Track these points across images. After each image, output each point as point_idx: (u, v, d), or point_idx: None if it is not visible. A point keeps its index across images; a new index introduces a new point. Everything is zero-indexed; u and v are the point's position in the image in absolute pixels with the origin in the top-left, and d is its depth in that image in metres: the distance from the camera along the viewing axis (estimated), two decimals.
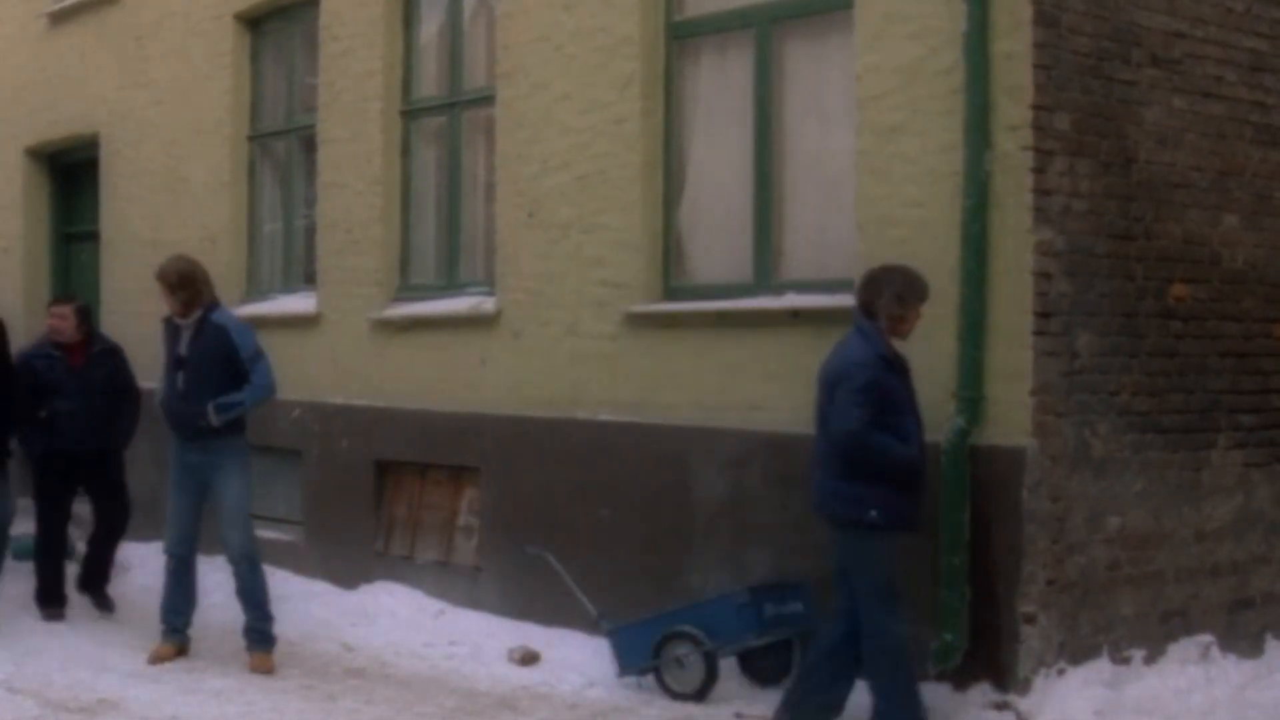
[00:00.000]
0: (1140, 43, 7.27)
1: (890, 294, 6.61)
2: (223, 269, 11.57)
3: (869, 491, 6.43)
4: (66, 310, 9.77)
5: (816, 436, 6.68)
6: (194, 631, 8.67)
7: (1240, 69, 7.76)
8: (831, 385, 6.52)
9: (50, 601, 9.49)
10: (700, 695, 7.25)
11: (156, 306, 12.22)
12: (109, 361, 9.90)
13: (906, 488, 6.50)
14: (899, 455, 6.46)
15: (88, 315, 9.93)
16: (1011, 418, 6.81)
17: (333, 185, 10.56)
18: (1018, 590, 6.77)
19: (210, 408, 8.08)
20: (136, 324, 12.60)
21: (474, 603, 9.12)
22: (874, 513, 6.42)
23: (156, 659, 8.22)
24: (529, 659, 8.13)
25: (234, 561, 8.27)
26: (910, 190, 7.16)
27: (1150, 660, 7.14)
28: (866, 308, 6.64)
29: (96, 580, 9.77)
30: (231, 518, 8.22)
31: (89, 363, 9.75)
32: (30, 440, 9.49)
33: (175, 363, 8.32)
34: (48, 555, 9.64)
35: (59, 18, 13.78)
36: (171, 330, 8.43)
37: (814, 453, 6.69)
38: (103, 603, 9.68)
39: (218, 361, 8.20)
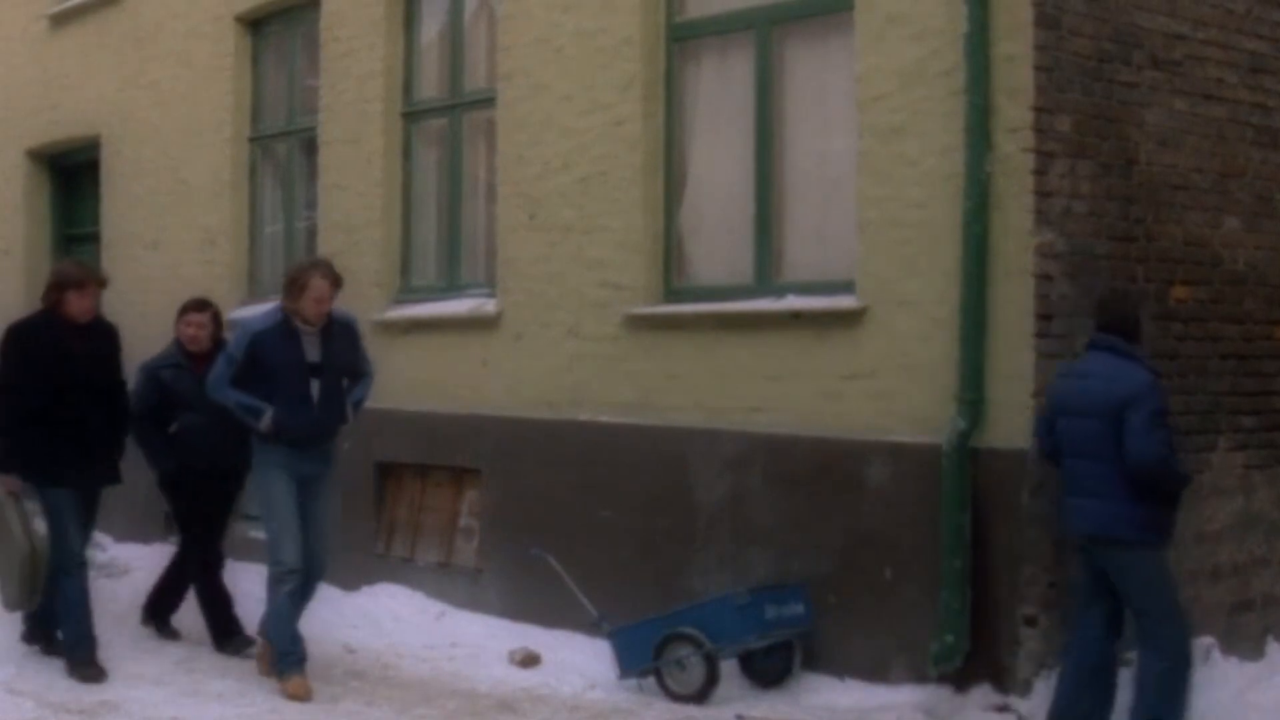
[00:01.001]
0: (1141, 45, 7.27)
1: (1145, 314, 6.64)
2: (223, 271, 11.60)
3: (1158, 512, 6.41)
4: (204, 318, 8.80)
5: (1075, 460, 6.43)
6: (194, 633, 8.66)
7: (1241, 71, 7.76)
8: (1116, 410, 6.27)
9: (154, 615, 8.91)
10: (701, 697, 7.24)
11: (159, 307, 12.29)
12: None
13: (1175, 502, 6.55)
14: (1186, 475, 6.55)
15: (219, 322, 9.04)
16: (1012, 420, 6.81)
17: (333, 187, 10.56)
18: (1018, 592, 6.77)
19: (349, 409, 7.79)
20: (139, 325, 12.62)
21: (475, 605, 9.12)
22: (1159, 533, 6.42)
23: (304, 694, 7.39)
24: (530, 661, 8.12)
25: (316, 578, 7.82)
26: (911, 192, 7.16)
27: None
28: (1122, 327, 6.50)
29: (168, 608, 8.96)
30: (326, 531, 7.82)
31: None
32: (158, 459, 8.62)
33: (306, 370, 7.61)
34: (176, 585, 8.89)
35: (60, 20, 13.79)
36: (283, 337, 7.62)
37: (1074, 477, 6.46)
38: (166, 630, 8.92)
39: (349, 361, 7.82)
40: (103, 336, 8.08)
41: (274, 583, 7.63)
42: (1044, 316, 6.82)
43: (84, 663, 7.79)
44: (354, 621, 9.07)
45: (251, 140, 11.69)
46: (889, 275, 7.24)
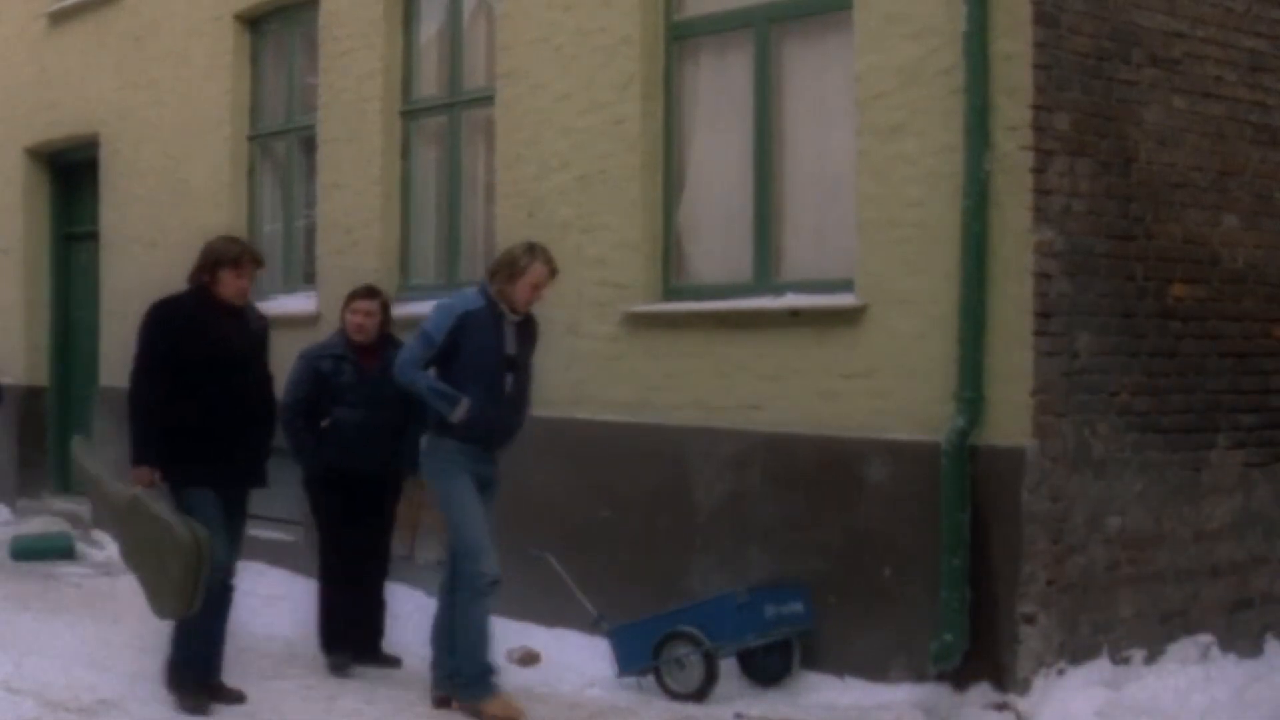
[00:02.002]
0: (1140, 43, 7.27)
1: None
2: None
3: None
4: (374, 306, 8.17)
5: None
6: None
7: (1240, 69, 7.76)
8: None
9: (327, 647, 8.08)
10: (700, 695, 7.25)
11: None
12: None
13: None
14: None
15: (389, 311, 8.36)
16: (1011, 418, 6.81)
17: (333, 185, 10.57)
18: (1017, 590, 6.77)
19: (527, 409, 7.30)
20: (137, 325, 12.61)
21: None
22: None
23: (515, 713, 6.93)
24: (529, 659, 8.12)
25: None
26: (910, 190, 7.16)
27: (1150, 660, 7.14)
28: None
29: (372, 639, 8.13)
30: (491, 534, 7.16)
31: (383, 366, 7.93)
32: (305, 456, 8.01)
33: (504, 361, 7.09)
34: (329, 598, 8.11)
35: (59, 18, 13.79)
36: (489, 322, 7.04)
37: None
38: (385, 660, 8.12)
39: (531, 360, 7.33)
40: (255, 323, 7.31)
41: (473, 596, 6.94)
42: (1043, 315, 6.82)
43: (191, 689, 7.04)
44: None
45: (250, 139, 11.70)
46: (888, 274, 7.25)
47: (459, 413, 6.90)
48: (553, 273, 7.12)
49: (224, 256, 7.10)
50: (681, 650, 7.31)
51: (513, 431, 7.22)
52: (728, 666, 7.42)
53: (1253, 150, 7.85)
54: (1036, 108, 6.79)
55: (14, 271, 14.41)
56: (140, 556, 6.94)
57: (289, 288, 11.28)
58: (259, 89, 11.72)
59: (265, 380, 7.32)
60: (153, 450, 6.90)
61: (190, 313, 7.04)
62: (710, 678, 7.27)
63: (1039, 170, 6.80)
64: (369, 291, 8.29)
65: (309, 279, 10.97)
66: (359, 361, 8.05)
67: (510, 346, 7.08)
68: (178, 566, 6.67)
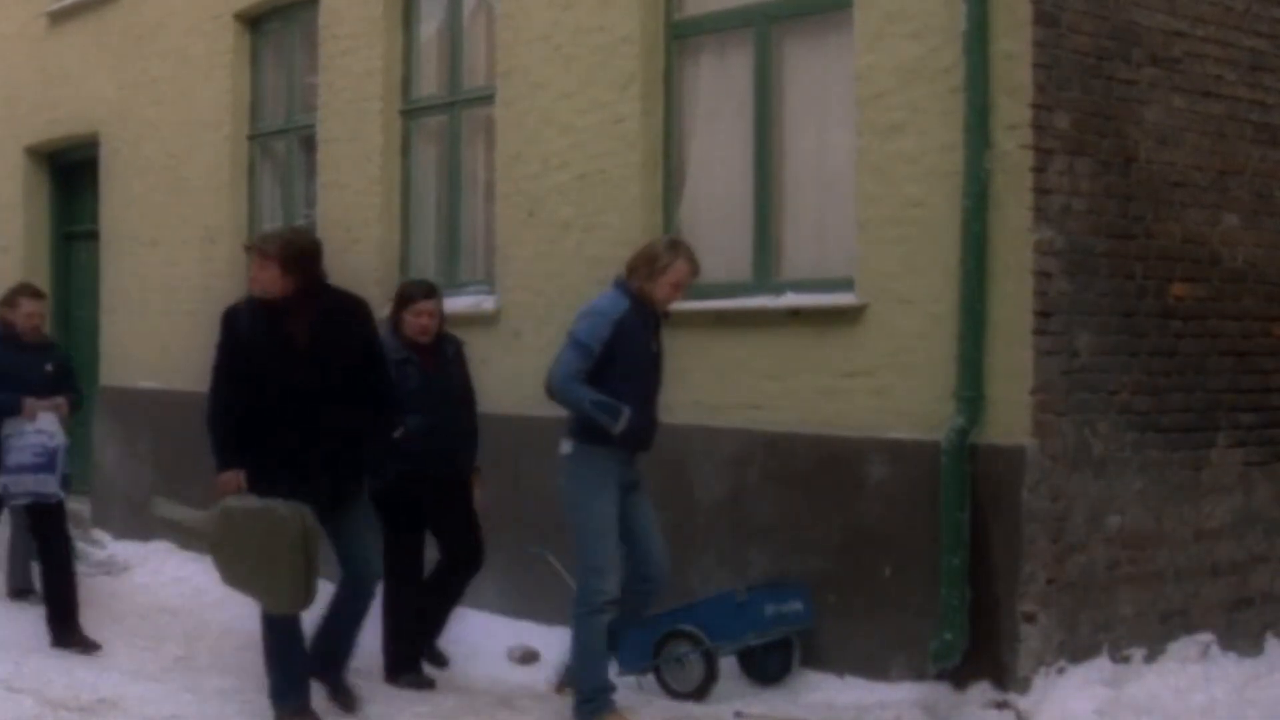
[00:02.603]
0: (1140, 42, 7.27)
1: None
2: (223, 269, 11.60)
3: None
4: (436, 306, 7.71)
5: None
6: (193, 631, 8.65)
7: (1240, 68, 7.76)
8: None
9: (401, 668, 7.63)
10: (700, 694, 7.25)
11: (158, 305, 12.30)
12: (462, 363, 7.94)
13: None
14: None
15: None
16: (1011, 417, 6.81)
17: (332, 185, 10.57)
18: (1017, 589, 6.77)
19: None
20: (136, 323, 12.64)
21: (473, 602, 9.10)
22: None
23: None
24: (529, 658, 8.13)
25: (661, 584, 7.02)
26: (910, 189, 7.16)
27: (1150, 659, 7.14)
28: None
29: (431, 636, 7.96)
30: (660, 537, 6.95)
31: (444, 366, 7.74)
32: (376, 469, 7.19)
33: (652, 365, 6.84)
34: (401, 620, 7.68)
35: (59, 17, 13.79)
36: (638, 324, 6.71)
37: None
38: (436, 657, 7.97)
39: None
40: (355, 325, 6.81)
41: (588, 614, 6.69)
42: (1043, 314, 6.82)
43: (293, 712, 6.69)
44: None
45: (250, 138, 11.70)
46: (888, 273, 7.25)
47: (622, 424, 6.58)
48: (695, 270, 6.81)
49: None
50: (682, 649, 7.30)
51: (655, 431, 6.88)
52: (728, 665, 7.43)
53: (1253, 149, 7.85)
54: (1036, 107, 6.79)
55: (14, 270, 14.35)
56: (245, 565, 6.54)
57: None
58: (259, 88, 11.72)
59: (354, 376, 6.73)
60: (234, 456, 6.62)
61: (255, 317, 6.69)
62: (710, 676, 7.27)
63: (1039, 169, 6.80)
64: (430, 290, 7.77)
65: None
66: (422, 364, 7.59)
67: (654, 347, 6.84)
68: (284, 548, 6.38)
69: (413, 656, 7.66)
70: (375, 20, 10.20)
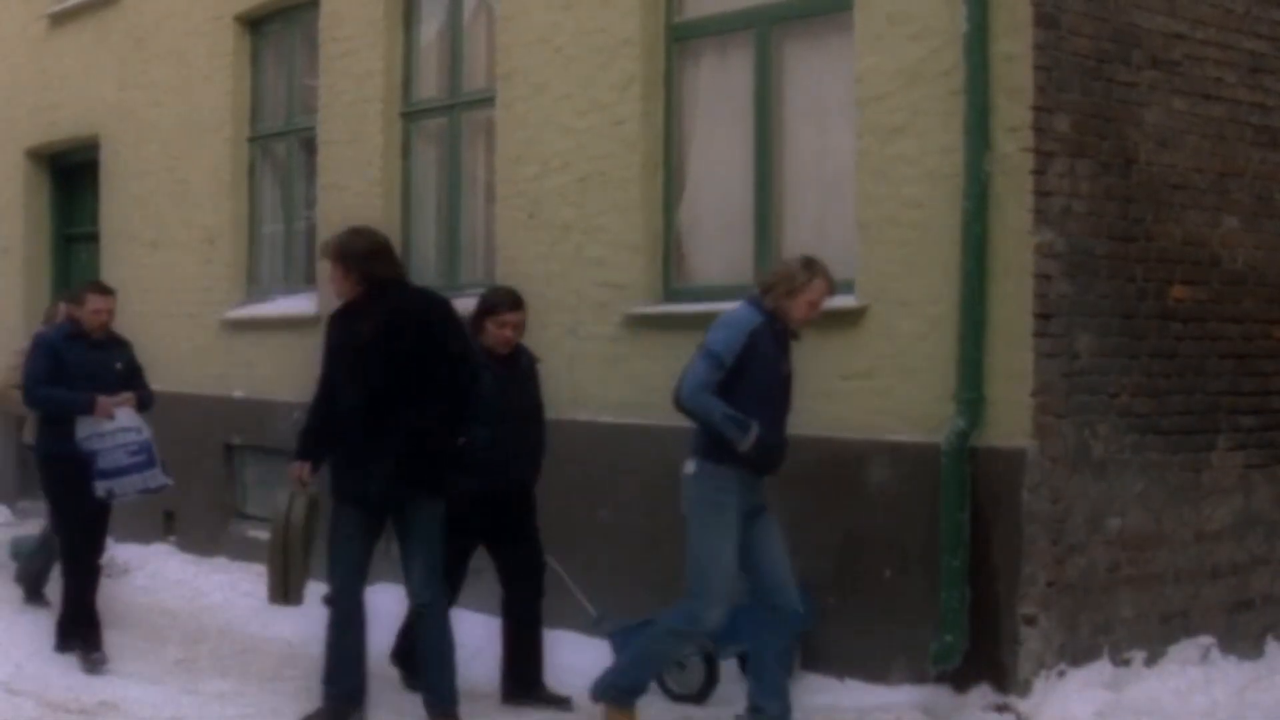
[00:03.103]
0: (1140, 44, 7.27)
1: None
2: (223, 270, 11.61)
3: None
4: (523, 318, 7.42)
5: None
6: (193, 633, 8.63)
7: (1240, 70, 7.76)
8: None
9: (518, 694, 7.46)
10: (701, 697, 7.25)
11: (159, 307, 12.29)
12: (535, 378, 7.56)
13: None
14: None
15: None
16: (1012, 419, 6.81)
17: (333, 187, 10.57)
18: (1018, 591, 6.77)
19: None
20: (137, 325, 12.61)
21: (475, 604, 9.09)
22: None
23: None
24: None
25: (797, 618, 6.71)
26: (910, 191, 7.16)
27: (1150, 662, 7.14)
28: None
29: (535, 674, 7.51)
30: (788, 565, 6.71)
31: (517, 379, 7.41)
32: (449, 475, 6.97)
33: (783, 383, 6.65)
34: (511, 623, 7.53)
35: (59, 19, 13.79)
36: (772, 339, 6.53)
37: None
38: (552, 699, 7.42)
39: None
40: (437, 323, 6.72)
41: (672, 634, 6.65)
42: (1043, 316, 6.82)
43: (333, 698, 6.67)
44: None
45: (251, 140, 11.70)
46: (888, 274, 7.25)
47: (749, 440, 6.38)
48: (832, 289, 6.64)
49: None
50: (682, 652, 7.29)
51: (784, 455, 6.65)
52: (728, 668, 7.42)
53: (1253, 151, 7.85)
54: (1037, 109, 6.79)
55: (14, 273, 14.40)
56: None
57: (289, 289, 11.28)
58: (259, 90, 11.72)
59: (424, 385, 6.58)
60: (311, 450, 6.79)
61: (335, 319, 6.76)
62: (711, 679, 7.27)
63: (1039, 171, 6.80)
64: (516, 302, 7.40)
65: (309, 280, 10.97)
66: (496, 375, 7.19)
67: (786, 365, 6.64)
68: (272, 539, 6.72)
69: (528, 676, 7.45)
70: (375, 22, 10.20)
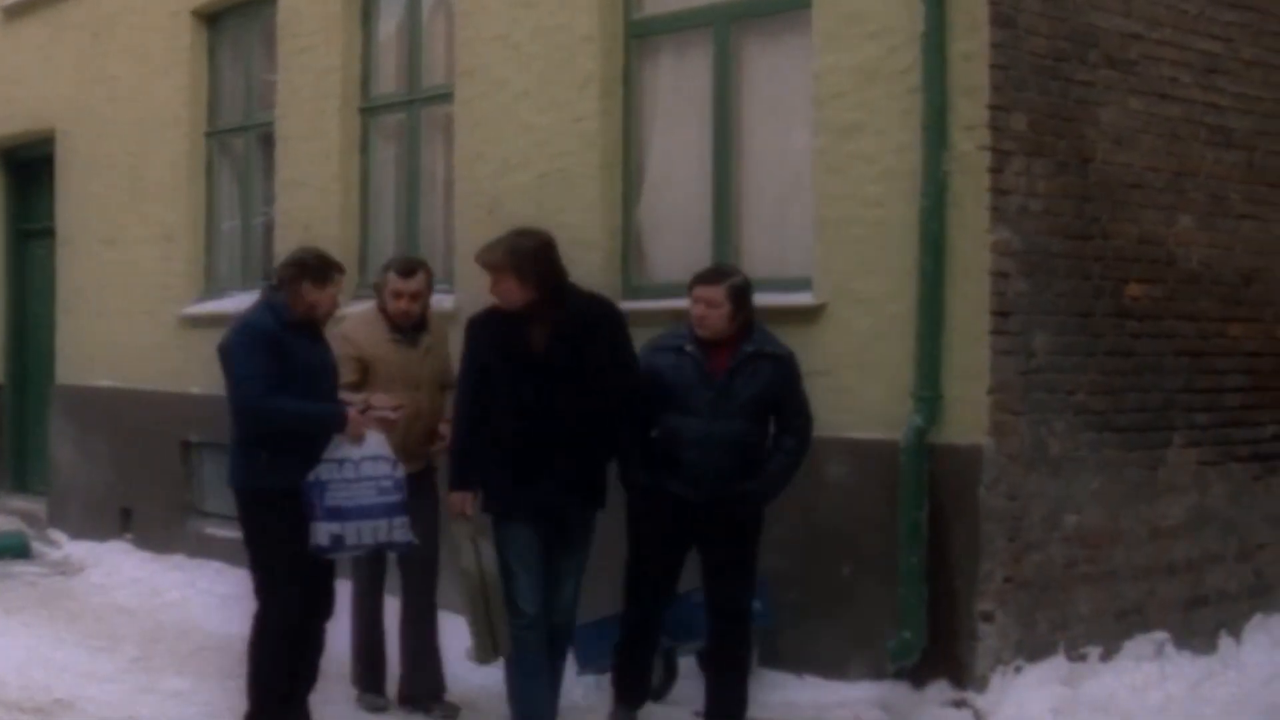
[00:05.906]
0: (1097, 44, 7.31)
1: None
2: (181, 267, 11.55)
3: None
4: (720, 294, 6.46)
5: None
6: (150, 631, 8.56)
7: (1195, 71, 7.82)
8: None
9: (628, 699, 6.91)
10: (659, 694, 7.24)
11: (117, 303, 12.22)
12: (766, 372, 6.50)
13: None
14: None
15: (744, 300, 6.53)
16: (969, 416, 6.84)
17: (291, 182, 10.52)
18: (975, 588, 6.80)
19: None
20: (95, 322, 12.55)
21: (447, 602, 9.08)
22: None
23: None
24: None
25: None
26: (868, 189, 7.18)
27: (1106, 658, 7.18)
28: None
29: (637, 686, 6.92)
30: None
31: (737, 368, 6.46)
32: (630, 472, 6.50)
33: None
34: (630, 646, 6.86)
35: (14, 12, 13.69)
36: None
37: None
38: None
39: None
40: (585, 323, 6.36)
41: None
42: (1000, 314, 6.85)
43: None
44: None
45: (208, 135, 11.64)
46: (846, 272, 7.26)
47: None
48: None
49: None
50: None
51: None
52: (686, 665, 7.42)
53: (1207, 151, 7.91)
54: (994, 107, 6.82)
55: None
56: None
57: (247, 285, 11.19)
58: (217, 85, 11.66)
59: (594, 391, 6.21)
60: (471, 475, 6.17)
61: (493, 327, 6.28)
62: (669, 676, 7.27)
63: (996, 170, 6.83)
64: (718, 274, 6.62)
65: (267, 276, 10.90)
66: (704, 359, 6.46)
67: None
68: (470, 608, 6.10)
69: (635, 692, 6.91)
70: (334, 18, 10.16)
